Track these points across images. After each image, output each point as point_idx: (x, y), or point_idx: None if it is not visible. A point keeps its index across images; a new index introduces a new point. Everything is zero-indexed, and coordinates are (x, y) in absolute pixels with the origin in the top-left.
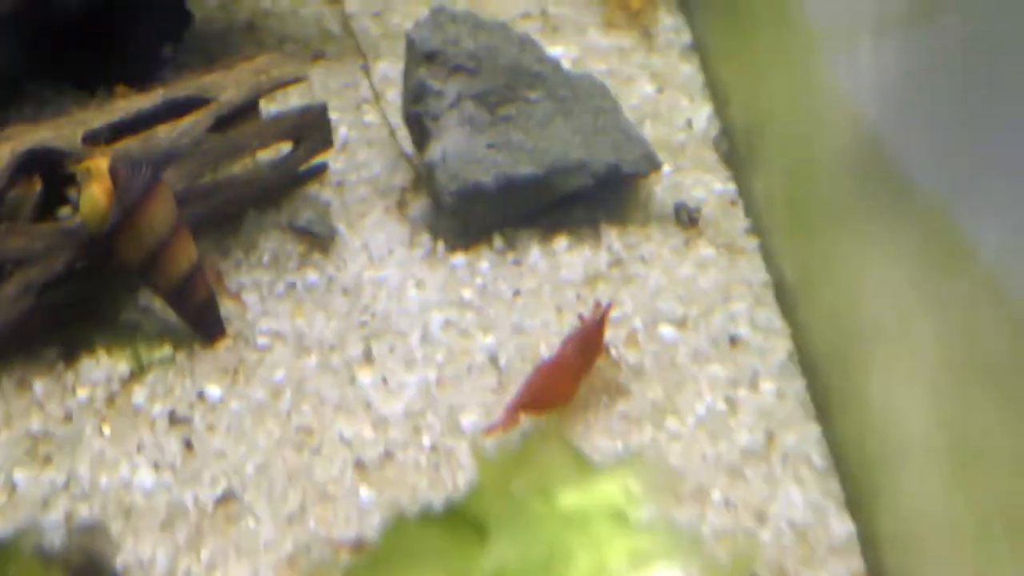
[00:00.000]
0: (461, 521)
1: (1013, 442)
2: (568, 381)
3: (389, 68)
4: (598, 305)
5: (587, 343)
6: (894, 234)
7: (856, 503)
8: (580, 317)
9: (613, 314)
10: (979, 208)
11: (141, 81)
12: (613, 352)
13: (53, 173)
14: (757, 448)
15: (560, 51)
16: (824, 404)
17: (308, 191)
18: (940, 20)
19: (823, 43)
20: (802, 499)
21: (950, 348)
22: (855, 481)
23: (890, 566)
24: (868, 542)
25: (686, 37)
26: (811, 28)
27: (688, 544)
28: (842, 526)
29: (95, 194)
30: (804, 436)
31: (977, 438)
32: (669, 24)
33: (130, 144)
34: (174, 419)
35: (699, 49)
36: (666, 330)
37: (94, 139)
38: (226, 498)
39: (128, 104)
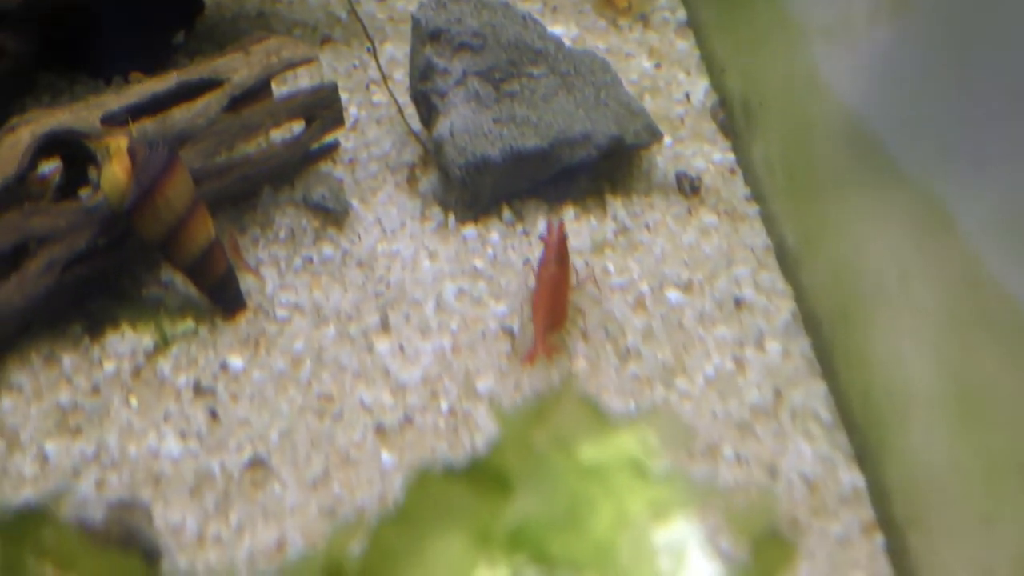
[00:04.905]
0: (484, 476)
1: (1017, 388)
2: (564, 293)
3: (395, 50)
4: (551, 227)
5: (560, 256)
6: (890, 200)
7: (863, 455)
8: (542, 239)
9: (620, 279)
10: (955, 189)
11: (154, 69)
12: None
13: (73, 154)
14: (766, 405)
15: (560, 30)
16: (829, 361)
17: (321, 168)
18: (912, 16)
19: (808, 35)
20: (811, 453)
21: (951, 302)
22: (862, 434)
23: (899, 514)
24: (877, 492)
25: (681, 15)
26: (797, 20)
27: (706, 494)
28: (851, 478)
29: (115, 172)
30: (811, 393)
31: (982, 387)
32: (664, 3)
33: (147, 125)
34: (199, 389)
35: (694, 25)
36: (672, 294)
37: (112, 121)
38: (252, 464)
39: (144, 87)
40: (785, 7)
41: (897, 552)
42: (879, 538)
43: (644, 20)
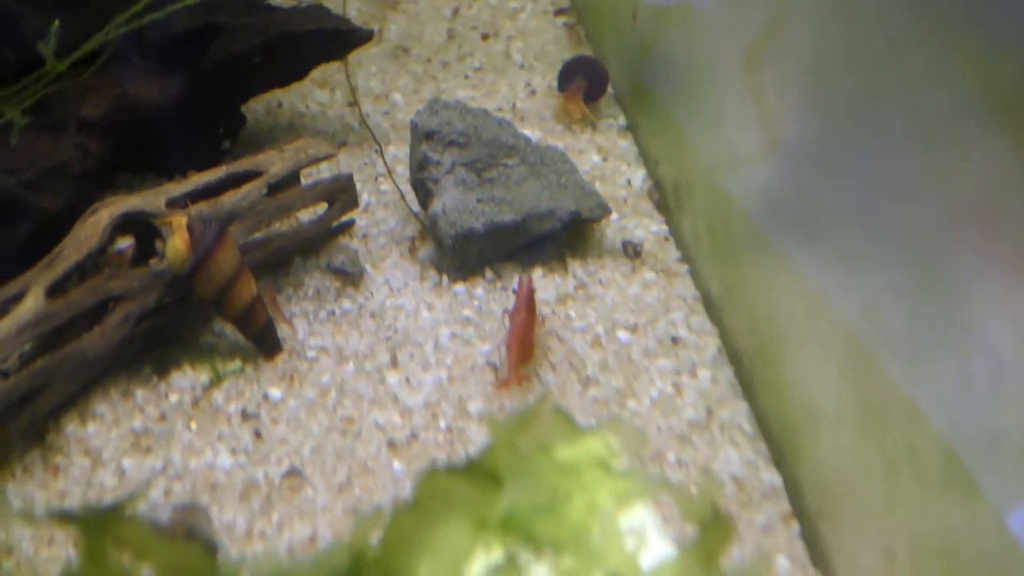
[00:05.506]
0: (480, 473)
1: (911, 396)
2: (532, 334)
3: (397, 151)
4: (521, 282)
5: (529, 304)
6: (802, 254)
7: (780, 459)
8: (514, 291)
9: (580, 323)
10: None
11: (207, 168)
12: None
13: (144, 230)
14: (700, 421)
15: (527, 133)
16: (749, 385)
17: (340, 241)
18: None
19: (711, 151)
20: (738, 458)
21: (854, 331)
22: (778, 442)
23: (811, 506)
24: (792, 489)
25: (622, 120)
26: (704, 137)
27: (660, 487)
28: (770, 477)
29: (177, 244)
30: (735, 410)
31: (878, 396)
32: (608, 112)
33: (202, 207)
34: (245, 415)
35: (632, 128)
36: (622, 334)
37: (174, 205)
38: (290, 474)
39: (199, 178)
40: (697, 127)
41: (810, 538)
42: (795, 526)
43: (593, 126)
